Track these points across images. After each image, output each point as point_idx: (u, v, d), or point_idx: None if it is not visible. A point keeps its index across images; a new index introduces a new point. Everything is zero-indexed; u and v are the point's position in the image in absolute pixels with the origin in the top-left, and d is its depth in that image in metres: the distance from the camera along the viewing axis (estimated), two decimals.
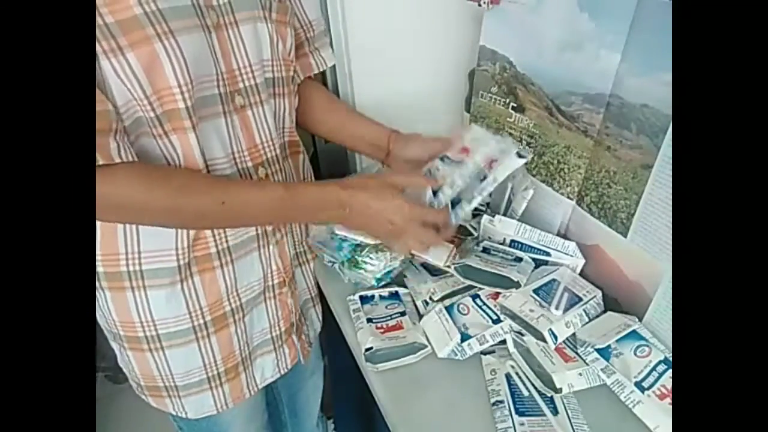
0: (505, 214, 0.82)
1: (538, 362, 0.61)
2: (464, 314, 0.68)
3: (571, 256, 0.72)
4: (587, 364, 0.60)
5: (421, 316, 0.71)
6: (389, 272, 0.77)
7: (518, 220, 0.77)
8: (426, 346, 0.66)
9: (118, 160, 0.51)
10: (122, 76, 0.51)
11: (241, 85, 0.61)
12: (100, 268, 0.62)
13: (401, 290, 0.76)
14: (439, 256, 0.72)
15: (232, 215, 0.60)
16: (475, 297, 0.70)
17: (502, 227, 0.75)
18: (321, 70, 0.79)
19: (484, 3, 0.81)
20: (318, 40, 0.77)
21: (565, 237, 0.76)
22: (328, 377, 1.06)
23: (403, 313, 0.71)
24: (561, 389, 0.58)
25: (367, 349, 0.65)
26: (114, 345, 0.70)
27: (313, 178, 0.83)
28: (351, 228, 0.70)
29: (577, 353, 0.61)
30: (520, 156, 0.69)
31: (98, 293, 0.64)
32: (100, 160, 0.49)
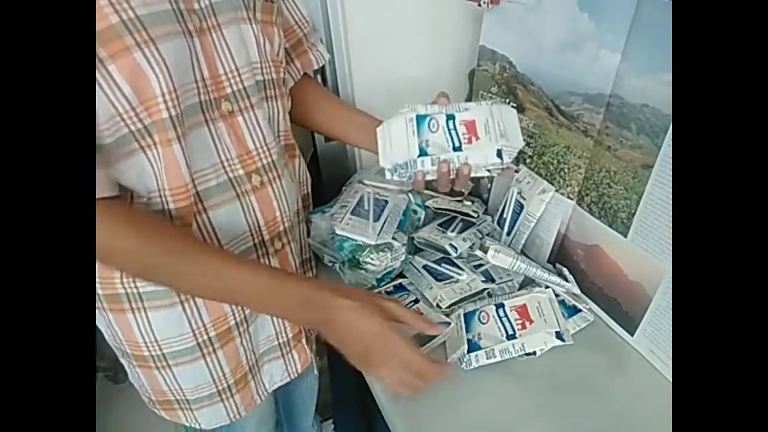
0: (503, 214, 0.82)
1: None
2: (483, 323, 0.67)
3: (565, 292, 0.73)
4: None
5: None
6: (390, 273, 0.76)
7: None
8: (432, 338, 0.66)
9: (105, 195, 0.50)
10: (107, 90, 0.49)
11: (228, 90, 0.59)
12: (99, 290, 0.61)
13: (404, 281, 0.75)
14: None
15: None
16: (499, 307, 0.69)
17: (498, 262, 0.71)
18: (321, 65, 0.78)
19: (484, 3, 0.81)
20: (312, 35, 0.77)
21: (565, 237, 0.76)
22: (328, 377, 1.06)
23: (416, 301, 0.72)
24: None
25: None
26: (123, 362, 0.69)
27: (309, 181, 0.82)
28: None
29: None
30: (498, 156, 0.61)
31: (102, 314, 0.63)
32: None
